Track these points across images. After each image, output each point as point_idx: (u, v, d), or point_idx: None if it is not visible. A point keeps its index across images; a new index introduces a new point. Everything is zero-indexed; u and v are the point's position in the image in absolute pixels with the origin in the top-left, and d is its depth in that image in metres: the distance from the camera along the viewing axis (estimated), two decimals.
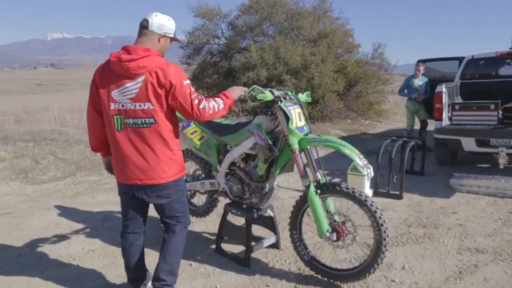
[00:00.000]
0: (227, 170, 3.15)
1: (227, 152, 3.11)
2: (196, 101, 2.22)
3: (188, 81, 2.26)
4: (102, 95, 2.24)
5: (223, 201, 3.45)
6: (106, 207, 4.54)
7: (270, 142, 2.69)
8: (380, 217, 2.55)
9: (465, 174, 5.15)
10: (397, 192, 4.71)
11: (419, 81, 7.27)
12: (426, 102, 7.36)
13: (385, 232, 2.56)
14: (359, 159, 2.57)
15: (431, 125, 7.97)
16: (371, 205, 2.55)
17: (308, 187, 2.66)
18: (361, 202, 2.57)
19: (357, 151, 2.63)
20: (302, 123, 2.72)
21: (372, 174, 4.54)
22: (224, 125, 3.18)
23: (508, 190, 4.73)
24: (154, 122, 2.21)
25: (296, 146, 2.64)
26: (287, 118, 2.64)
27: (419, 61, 7.46)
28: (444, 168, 6.11)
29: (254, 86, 2.57)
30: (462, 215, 4.19)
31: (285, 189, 5.11)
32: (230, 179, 3.11)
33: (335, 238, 2.64)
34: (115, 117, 2.23)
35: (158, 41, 2.28)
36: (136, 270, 2.56)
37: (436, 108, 5.37)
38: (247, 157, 3.06)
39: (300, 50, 11.48)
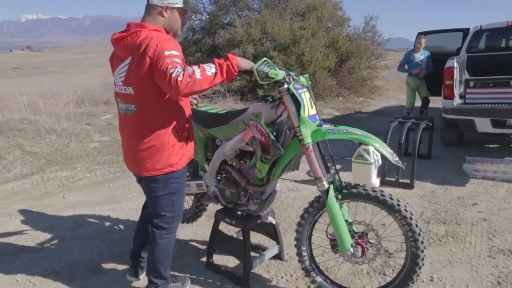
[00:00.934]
0: (218, 170, 2.57)
1: (216, 148, 2.53)
2: (171, 70, 1.77)
3: (172, 51, 1.84)
4: (113, 76, 2.14)
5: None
6: (78, 210, 3.93)
7: (273, 138, 2.11)
8: (416, 225, 2.06)
9: (479, 157, 4.68)
10: (408, 181, 4.22)
11: (420, 55, 6.71)
12: (428, 78, 6.85)
13: (422, 242, 2.07)
14: (390, 155, 2.08)
15: (432, 103, 7.52)
16: (405, 210, 2.06)
17: (326, 192, 2.11)
18: (393, 208, 2.06)
19: (385, 145, 2.11)
20: (314, 110, 2.15)
21: (380, 162, 4.02)
22: (212, 114, 2.58)
23: None
24: (134, 109, 2.00)
25: (309, 140, 2.08)
26: (298, 104, 2.07)
27: (420, 34, 6.87)
28: (451, 149, 5.65)
29: (266, 59, 1.98)
30: (483, 206, 3.72)
31: (281, 180, 4.56)
32: (222, 181, 2.53)
33: (360, 254, 2.13)
34: (116, 99, 2.13)
35: (161, 15, 2.01)
36: (137, 246, 2.52)
37: (446, 85, 4.83)
38: (242, 154, 2.48)
39: (288, 24, 10.79)
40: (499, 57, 5.79)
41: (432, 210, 3.66)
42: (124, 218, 3.70)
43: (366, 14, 11.62)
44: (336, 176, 2.23)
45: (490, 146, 5.78)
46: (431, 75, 6.78)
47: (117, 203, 4.11)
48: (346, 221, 2.18)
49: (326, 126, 2.11)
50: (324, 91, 10.57)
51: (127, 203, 4.08)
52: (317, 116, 2.16)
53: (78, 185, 4.74)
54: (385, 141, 4.33)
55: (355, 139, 2.05)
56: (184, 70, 1.77)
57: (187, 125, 2.16)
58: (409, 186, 4.19)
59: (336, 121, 7.86)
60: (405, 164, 4.27)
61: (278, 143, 2.10)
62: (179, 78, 1.73)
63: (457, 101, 4.81)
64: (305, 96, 2.10)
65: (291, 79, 2.11)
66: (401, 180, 4.25)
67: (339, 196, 2.13)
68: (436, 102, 7.87)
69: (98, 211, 3.90)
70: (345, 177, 2.57)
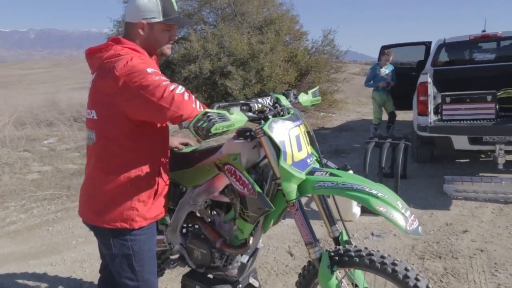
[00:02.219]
0: (184, 224, 2.03)
1: (180, 197, 1.98)
2: (171, 87, 1.47)
3: (153, 69, 1.51)
4: None
5: None
6: (6, 267, 3.19)
7: (259, 190, 1.60)
8: None
9: (458, 176, 4.45)
10: None
11: (386, 70, 6.55)
12: (392, 92, 6.70)
13: None
14: (402, 218, 1.44)
15: (399, 116, 7.37)
16: None
17: (318, 260, 1.62)
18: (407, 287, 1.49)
19: (399, 202, 1.49)
20: (303, 153, 1.63)
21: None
22: (173, 152, 2.04)
23: (510, 194, 4.08)
24: (94, 139, 1.63)
25: (293, 196, 1.58)
26: (278, 148, 1.56)
27: (384, 47, 6.73)
28: (423, 167, 5.42)
29: (206, 111, 1.39)
30: (475, 233, 3.42)
31: None
32: (190, 238, 1.98)
33: None
34: None
35: (138, 33, 1.66)
36: None
37: (421, 101, 4.58)
38: (215, 204, 1.95)
39: (246, 38, 10.42)
40: (464, 70, 5.69)
41: (423, 242, 3.30)
42: (65, 275, 3.02)
43: (324, 28, 11.53)
44: (343, 231, 1.76)
45: (461, 161, 5.63)
46: (396, 89, 6.65)
47: (57, 253, 3.41)
48: (356, 286, 1.71)
49: (318, 175, 1.58)
50: None
51: (70, 253, 3.39)
52: (308, 160, 1.64)
53: (9, 231, 3.95)
54: (364, 165, 3.97)
55: (353, 198, 1.50)
56: (183, 89, 1.51)
57: (158, 175, 1.69)
58: None
59: None
60: None
61: (266, 197, 1.59)
62: (185, 98, 1.47)
63: (432, 117, 4.57)
64: (289, 136, 1.58)
65: (269, 114, 1.62)
66: None
67: (335, 267, 1.59)
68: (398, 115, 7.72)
69: (32, 266, 3.18)
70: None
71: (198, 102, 1.53)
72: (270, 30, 10.71)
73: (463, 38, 5.81)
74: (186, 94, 1.49)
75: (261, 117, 1.60)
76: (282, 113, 1.67)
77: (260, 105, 1.67)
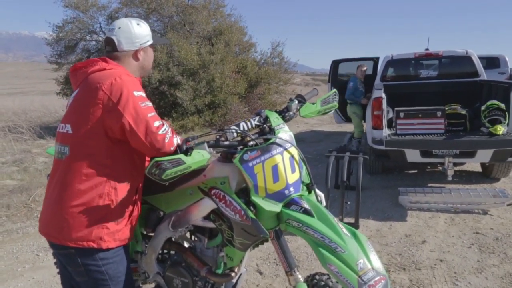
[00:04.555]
0: (160, 251, 1.88)
1: (157, 222, 1.83)
2: (156, 124, 1.53)
3: (141, 93, 1.55)
4: None
5: None
6: None
7: (253, 216, 1.51)
8: None
9: (411, 188, 4.65)
10: (352, 221, 3.92)
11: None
12: (345, 105, 6.94)
13: None
14: (356, 281, 1.35)
15: (346, 128, 7.63)
16: None
17: None
18: None
19: (361, 261, 1.39)
20: (280, 184, 1.53)
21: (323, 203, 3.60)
22: None
23: (459, 204, 4.33)
24: (67, 153, 1.56)
25: (268, 227, 1.54)
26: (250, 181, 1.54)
27: (338, 62, 6.98)
28: (376, 178, 5.62)
29: (156, 160, 1.39)
30: (432, 244, 3.56)
31: None
32: (169, 266, 1.84)
33: None
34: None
35: (136, 58, 1.71)
36: None
37: (375, 116, 4.75)
38: (196, 229, 1.83)
39: (195, 48, 10.28)
40: (412, 86, 6.01)
41: (387, 254, 3.38)
42: None
43: (273, 40, 11.71)
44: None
45: (410, 172, 5.92)
46: (346, 102, 6.90)
47: (0, 283, 3.05)
48: None
49: (292, 209, 1.51)
50: (236, 118, 10.23)
51: (16, 282, 3.05)
52: (287, 191, 1.54)
53: None
54: (326, 179, 4.00)
55: (311, 246, 1.46)
56: (169, 128, 1.57)
57: (134, 196, 1.62)
58: (355, 226, 3.89)
59: None
60: (349, 203, 4.04)
61: (260, 224, 1.50)
62: (167, 141, 1.53)
63: (386, 131, 4.75)
64: (262, 169, 1.51)
65: (249, 141, 1.60)
66: (345, 220, 3.94)
67: None
68: (343, 127, 7.99)
69: None
70: None
71: (175, 141, 1.56)
72: (219, 41, 10.67)
73: (409, 56, 6.16)
74: (168, 137, 1.53)
75: (237, 145, 1.58)
76: (268, 129, 1.65)
77: (239, 128, 1.65)
